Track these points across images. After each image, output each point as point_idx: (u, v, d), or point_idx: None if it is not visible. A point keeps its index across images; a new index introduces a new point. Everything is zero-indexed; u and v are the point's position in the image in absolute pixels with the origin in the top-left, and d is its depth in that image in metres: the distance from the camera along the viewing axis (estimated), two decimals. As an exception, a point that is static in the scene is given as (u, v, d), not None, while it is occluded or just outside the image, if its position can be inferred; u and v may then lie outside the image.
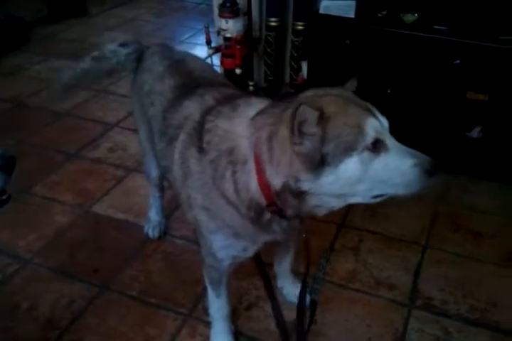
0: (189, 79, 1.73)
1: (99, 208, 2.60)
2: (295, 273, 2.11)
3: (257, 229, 1.43)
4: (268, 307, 1.99)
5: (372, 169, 1.21)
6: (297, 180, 1.23)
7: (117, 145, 3.11)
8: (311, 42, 3.10)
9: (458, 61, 2.58)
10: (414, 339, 1.97)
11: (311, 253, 2.25)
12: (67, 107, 3.52)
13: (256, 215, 1.37)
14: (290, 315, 1.84)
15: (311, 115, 1.16)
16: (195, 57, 2.08)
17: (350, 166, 1.19)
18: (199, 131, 1.46)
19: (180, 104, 1.61)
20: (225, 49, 3.38)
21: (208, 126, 1.44)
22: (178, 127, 1.57)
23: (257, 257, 1.76)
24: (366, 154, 1.20)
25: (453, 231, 2.49)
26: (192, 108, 1.56)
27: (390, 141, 1.25)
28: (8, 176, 1.34)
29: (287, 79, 3.58)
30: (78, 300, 2.09)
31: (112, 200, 2.65)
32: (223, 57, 3.41)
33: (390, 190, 1.27)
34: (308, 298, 2.07)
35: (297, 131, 1.18)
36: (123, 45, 2.06)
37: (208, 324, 1.95)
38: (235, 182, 1.33)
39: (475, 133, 2.74)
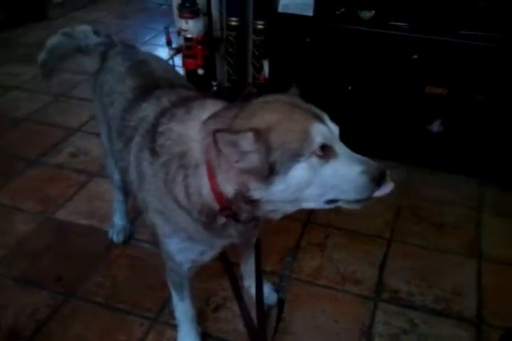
0: (149, 80, 1.71)
1: (62, 214, 2.55)
2: (262, 272, 2.11)
3: (211, 234, 1.42)
4: (236, 308, 1.98)
5: (321, 175, 1.21)
6: (248, 189, 1.23)
7: (80, 149, 3.07)
8: (272, 41, 3.11)
9: (415, 56, 2.61)
10: (381, 332, 2.00)
11: (278, 250, 2.29)
12: (26, 112, 3.45)
13: (208, 220, 1.36)
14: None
15: (242, 137, 1.17)
16: (158, 59, 2.06)
17: (299, 172, 1.19)
18: (152, 134, 1.44)
19: (139, 105, 1.59)
20: (186, 49, 3.35)
21: (161, 128, 1.42)
22: (134, 128, 1.56)
23: (223, 257, 1.76)
24: (314, 160, 1.19)
25: (416, 224, 2.53)
26: (148, 110, 1.54)
27: (339, 146, 1.23)
28: None
29: (250, 78, 3.58)
30: (42, 309, 2.05)
31: (75, 206, 2.61)
32: (185, 57, 3.39)
33: (340, 196, 1.25)
34: (275, 296, 2.09)
35: (232, 153, 1.19)
36: (96, 32, 2.03)
37: (175, 327, 1.94)
38: (186, 187, 1.32)
39: (435, 126, 2.79)
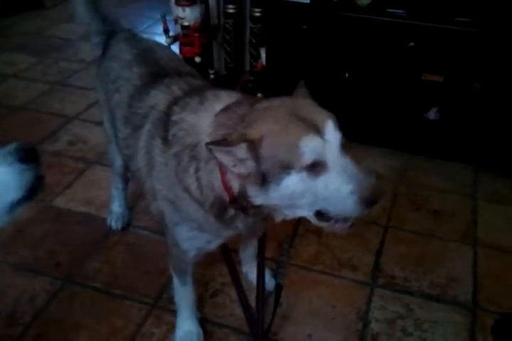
0: (157, 67, 1.72)
1: (60, 202, 2.56)
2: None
3: (221, 225, 1.44)
4: (233, 293, 2.01)
5: (312, 187, 1.20)
6: (247, 192, 1.25)
7: (77, 137, 3.07)
8: (269, 28, 3.10)
9: (412, 43, 2.61)
10: (377, 316, 2.02)
11: (276, 237, 2.30)
12: (23, 101, 3.45)
13: (219, 211, 1.38)
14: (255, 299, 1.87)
15: (236, 148, 1.18)
16: (163, 46, 2.07)
17: (291, 184, 1.19)
18: (165, 122, 1.45)
19: (147, 93, 1.60)
20: (184, 37, 3.35)
21: (174, 117, 1.43)
22: (143, 116, 1.56)
23: (222, 244, 1.77)
24: (304, 174, 1.18)
25: (412, 211, 2.54)
26: (158, 98, 1.55)
27: (333, 160, 1.19)
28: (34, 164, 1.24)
29: (247, 66, 3.57)
30: (41, 295, 2.07)
31: (74, 193, 2.62)
32: (182, 45, 3.38)
33: (330, 208, 1.24)
34: (273, 282, 2.10)
35: (228, 160, 1.21)
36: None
37: (173, 313, 1.95)
38: (198, 179, 1.34)
39: (432, 114, 2.80)
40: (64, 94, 3.53)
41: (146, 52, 1.82)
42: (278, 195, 1.22)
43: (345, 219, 1.30)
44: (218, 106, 1.36)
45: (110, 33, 2.01)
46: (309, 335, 1.94)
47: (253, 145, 1.18)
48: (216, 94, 1.45)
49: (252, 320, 1.83)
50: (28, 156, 1.22)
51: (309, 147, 1.16)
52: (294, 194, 1.21)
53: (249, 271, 2.15)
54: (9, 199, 1.20)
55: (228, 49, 3.50)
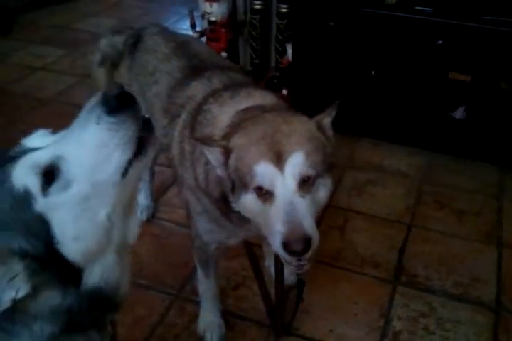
0: (197, 61, 1.75)
1: (86, 193, 2.59)
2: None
3: (231, 224, 1.46)
4: (255, 287, 2.03)
5: (261, 211, 1.20)
6: (228, 197, 1.30)
7: (103, 130, 3.09)
8: (295, 24, 3.09)
9: (440, 41, 2.59)
10: (400, 314, 2.02)
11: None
12: (51, 93, 3.50)
13: (223, 209, 1.40)
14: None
15: (213, 150, 1.25)
16: (198, 40, 2.10)
17: (245, 201, 1.22)
18: (197, 111, 1.48)
19: (188, 84, 1.63)
20: (210, 33, 3.37)
21: (205, 107, 1.46)
22: (181, 106, 1.60)
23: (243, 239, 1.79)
24: (255, 196, 1.20)
25: (436, 210, 2.53)
26: (198, 89, 1.58)
27: (282, 193, 1.16)
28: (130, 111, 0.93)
29: (273, 62, 3.58)
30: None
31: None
32: (208, 40, 3.40)
33: (272, 239, 1.20)
34: (293, 277, 2.11)
35: (213, 159, 1.27)
36: (117, 32, 2.08)
37: (196, 304, 1.98)
38: (206, 172, 1.38)
39: (458, 113, 2.77)
40: (91, 86, 3.56)
41: (183, 45, 1.85)
42: (241, 207, 1.26)
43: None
44: (245, 104, 1.39)
45: (134, 35, 2.04)
46: (330, 330, 1.95)
47: (226, 153, 1.23)
48: (250, 92, 1.47)
49: (272, 314, 1.84)
50: (118, 104, 0.92)
51: (261, 173, 1.17)
52: (251, 212, 1.24)
53: (272, 265, 2.16)
54: (114, 164, 0.92)
55: (254, 44, 3.51)
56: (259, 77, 3.53)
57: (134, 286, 2.06)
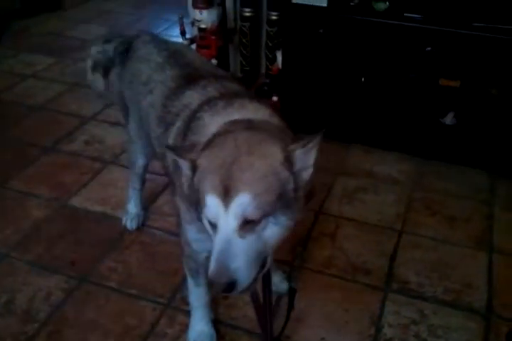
0: (190, 70, 1.74)
1: (76, 201, 2.58)
2: (274, 261, 2.12)
3: None
4: (246, 295, 2.01)
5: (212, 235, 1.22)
6: None
7: (94, 138, 3.09)
8: (285, 32, 3.10)
9: (429, 48, 2.61)
10: (391, 321, 2.01)
11: (288, 239, 2.28)
12: (41, 101, 3.48)
13: None
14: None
15: (181, 162, 1.26)
16: (190, 49, 2.10)
17: (204, 222, 1.23)
18: (190, 119, 1.48)
19: (182, 93, 1.62)
20: (200, 40, 3.37)
21: (198, 114, 1.46)
22: (176, 114, 1.58)
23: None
24: (207, 222, 1.21)
25: (427, 216, 2.53)
26: (193, 98, 1.57)
27: (222, 229, 1.16)
28: None
29: (263, 69, 3.59)
30: (56, 293, 2.09)
31: (89, 193, 2.64)
32: (198, 48, 3.40)
33: None
34: (284, 284, 2.10)
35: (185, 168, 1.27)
36: (107, 41, 2.10)
37: (186, 313, 1.96)
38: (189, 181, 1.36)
39: (448, 119, 2.78)
40: (81, 94, 3.56)
41: (176, 54, 1.84)
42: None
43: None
44: (236, 116, 1.38)
45: (126, 42, 2.05)
46: (322, 339, 1.94)
47: (194, 169, 1.22)
48: (244, 104, 1.45)
49: (264, 322, 1.83)
50: None
51: (209, 205, 1.16)
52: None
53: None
54: None
55: (244, 52, 3.52)
56: (249, 84, 3.53)
57: (123, 296, 2.07)
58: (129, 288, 2.12)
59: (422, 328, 1.98)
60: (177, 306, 2.04)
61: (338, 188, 2.70)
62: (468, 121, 2.74)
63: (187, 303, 1.94)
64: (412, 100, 2.80)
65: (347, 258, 2.28)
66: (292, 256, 2.27)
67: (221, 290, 1.16)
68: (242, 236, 1.14)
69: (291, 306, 1.86)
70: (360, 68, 2.81)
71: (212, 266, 1.15)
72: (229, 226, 1.14)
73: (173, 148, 1.29)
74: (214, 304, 2.02)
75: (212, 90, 1.57)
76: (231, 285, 1.14)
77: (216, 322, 1.96)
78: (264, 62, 3.53)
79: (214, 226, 1.18)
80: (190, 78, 1.67)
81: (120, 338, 1.91)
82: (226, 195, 1.13)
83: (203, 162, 1.21)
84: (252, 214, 1.13)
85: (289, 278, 2.12)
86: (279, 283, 2.10)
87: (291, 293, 1.88)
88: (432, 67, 2.66)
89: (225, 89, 1.58)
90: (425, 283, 2.17)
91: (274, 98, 3.22)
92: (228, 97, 1.49)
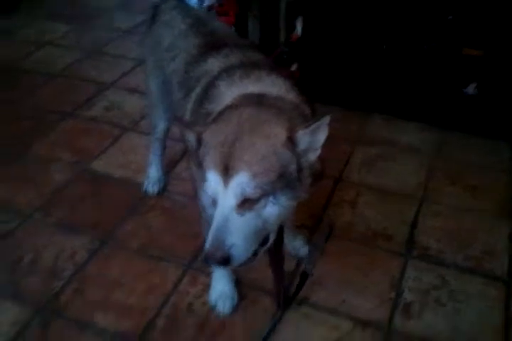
0: (214, 38, 1.74)
1: (97, 166, 2.60)
2: (295, 226, 2.14)
3: None
4: (267, 257, 2.02)
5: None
6: None
7: (113, 104, 3.09)
8: (306, -1, 3.06)
9: (450, 17, 2.56)
10: (411, 286, 2.01)
11: (309, 205, 2.28)
12: (59, 68, 3.47)
13: None
14: (287, 264, 1.89)
15: (188, 133, 1.27)
16: (215, 17, 2.09)
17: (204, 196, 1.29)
18: (209, 86, 1.49)
19: (205, 60, 1.63)
20: (219, 7, 3.32)
21: (217, 82, 1.46)
22: (196, 80, 1.60)
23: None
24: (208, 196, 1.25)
25: (448, 185, 2.51)
26: (214, 65, 1.58)
27: (220, 205, 1.19)
28: None
29: (282, 37, 3.53)
30: (80, 252, 2.11)
31: (110, 158, 2.65)
32: (217, 15, 3.36)
33: None
34: (306, 249, 2.11)
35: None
36: None
37: (208, 275, 1.98)
38: None
39: (470, 89, 2.74)
40: (99, 61, 3.55)
41: (200, 21, 1.85)
42: None
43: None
44: (251, 89, 1.38)
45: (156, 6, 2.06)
46: (343, 301, 1.95)
47: (199, 142, 1.24)
48: (261, 76, 1.45)
49: (281, 284, 1.82)
50: None
51: (209, 181, 1.19)
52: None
53: (285, 241, 2.14)
54: None
55: (263, 19, 3.47)
56: (268, 52, 3.48)
57: (146, 257, 2.09)
58: (151, 249, 2.14)
59: (443, 293, 1.99)
60: (198, 268, 2.06)
61: (357, 156, 2.69)
62: (490, 91, 2.70)
63: (208, 265, 1.95)
64: (434, 69, 2.76)
65: (367, 224, 2.28)
66: (311, 221, 2.27)
67: (216, 264, 1.20)
68: (240, 214, 1.17)
69: (299, 289, 1.88)
70: (382, 36, 2.77)
71: (209, 240, 1.18)
72: (227, 203, 1.17)
73: (181, 120, 1.29)
74: (235, 266, 2.04)
75: (233, 59, 1.57)
76: (226, 260, 1.18)
77: (237, 283, 1.98)
78: (283, 30, 3.48)
79: (214, 201, 1.20)
80: (213, 46, 1.68)
81: (143, 296, 1.94)
82: (226, 173, 1.15)
83: (207, 136, 1.22)
84: (251, 193, 1.15)
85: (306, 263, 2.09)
86: (299, 246, 2.11)
87: (303, 277, 1.91)
88: (455, 35, 2.61)
89: (247, 59, 1.58)
90: (446, 250, 2.17)
91: (293, 67, 3.19)
92: (247, 67, 1.49)
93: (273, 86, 1.42)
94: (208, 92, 1.47)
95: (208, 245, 1.19)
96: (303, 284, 1.91)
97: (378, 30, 2.76)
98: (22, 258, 2.09)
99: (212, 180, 1.18)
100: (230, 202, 1.17)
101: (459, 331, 1.85)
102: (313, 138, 1.22)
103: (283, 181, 1.18)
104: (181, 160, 2.64)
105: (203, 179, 1.22)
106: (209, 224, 1.69)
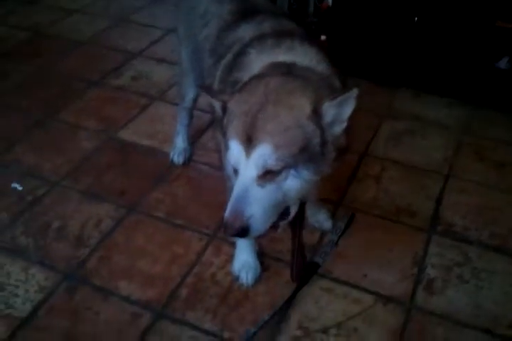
0: (249, 5, 1.72)
1: (124, 134, 2.61)
2: (319, 199, 2.13)
3: None
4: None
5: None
6: None
7: (140, 74, 3.08)
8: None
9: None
10: (434, 262, 2.01)
11: (333, 179, 2.26)
12: (87, 36, 3.47)
13: None
14: (310, 237, 1.90)
15: (214, 101, 1.27)
16: None
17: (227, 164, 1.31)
18: (239, 53, 1.47)
19: (238, 26, 1.61)
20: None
21: (246, 49, 1.45)
22: (228, 46, 1.58)
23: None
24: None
25: (476, 162, 2.48)
26: (246, 32, 1.56)
27: (242, 175, 1.19)
28: None
29: (311, 7, 3.47)
30: (106, 221, 2.15)
31: (137, 127, 2.66)
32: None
33: None
34: (330, 223, 2.10)
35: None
36: None
37: (231, 245, 2.00)
38: None
39: (502, 63, 2.68)
40: (127, 30, 3.53)
41: None
42: None
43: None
44: (282, 58, 1.36)
45: None
46: (365, 275, 1.96)
47: (224, 110, 1.23)
48: (293, 45, 1.43)
49: (302, 256, 1.81)
50: None
51: (232, 150, 1.18)
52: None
53: (309, 214, 2.15)
54: None
55: (293, -11, 3.40)
56: (297, 23, 3.43)
57: (171, 226, 2.12)
58: (176, 218, 2.16)
59: (466, 270, 1.98)
60: (223, 238, 2.08)
61: (384, 131, 2.66)
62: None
63: (232, 235, 1.97)
64: (466, 43, 2.69)
65: (391, 199, 2.27)
66: (335, 195, 2.27)
67: (233, 234, 1.20)
68: (261, 185, 1.17)
69: (308, 278, 1.90)
70: (414, 7, 2.69)
71: (228, 210, 1.18)
72: (248, 174, 1.16)
73: (208, 88, 1.29)
74: (259, 237, 2.05)
75: (266, 26, 1.54)
76: (244, 231, 1.18)
77: (260, 255, 2.00)
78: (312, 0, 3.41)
79: (236, 171, 1.20)
80: (247, 13, 1.66)
81: (167, 265, 1.97)
82: (248, 144, 1.15)
83: (232, 105, 1.21)
84: (273, 165, 1.15)
85: (321, 254, 2.08)
86: (323, 220, 2.12)
87: (314, 268, 1.92)
88: (489, 7, 2.53)
89: (280, 27, 1.55)
90: (471, 227, 2.15)
91: (322, 37, 3.14)
92: (279, 36, 1.47)
93: (304, 56, 1.40)
94: (237, 60, 1.46)
95: (227, 215, 1.19)
96: (314, 273, 1.92)
97: (410, 1, 2.68)
98: (49, 225, 2.13)
99: (235, 149, 1.18)
100: (251, 173, 1.17)
101: (482, 309, 1.85)
102: (340, 111, 1.21)
103: (306, 155, 1.18)
104: (207, 131, 2.64)
105: (227, 148, 1.22)
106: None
